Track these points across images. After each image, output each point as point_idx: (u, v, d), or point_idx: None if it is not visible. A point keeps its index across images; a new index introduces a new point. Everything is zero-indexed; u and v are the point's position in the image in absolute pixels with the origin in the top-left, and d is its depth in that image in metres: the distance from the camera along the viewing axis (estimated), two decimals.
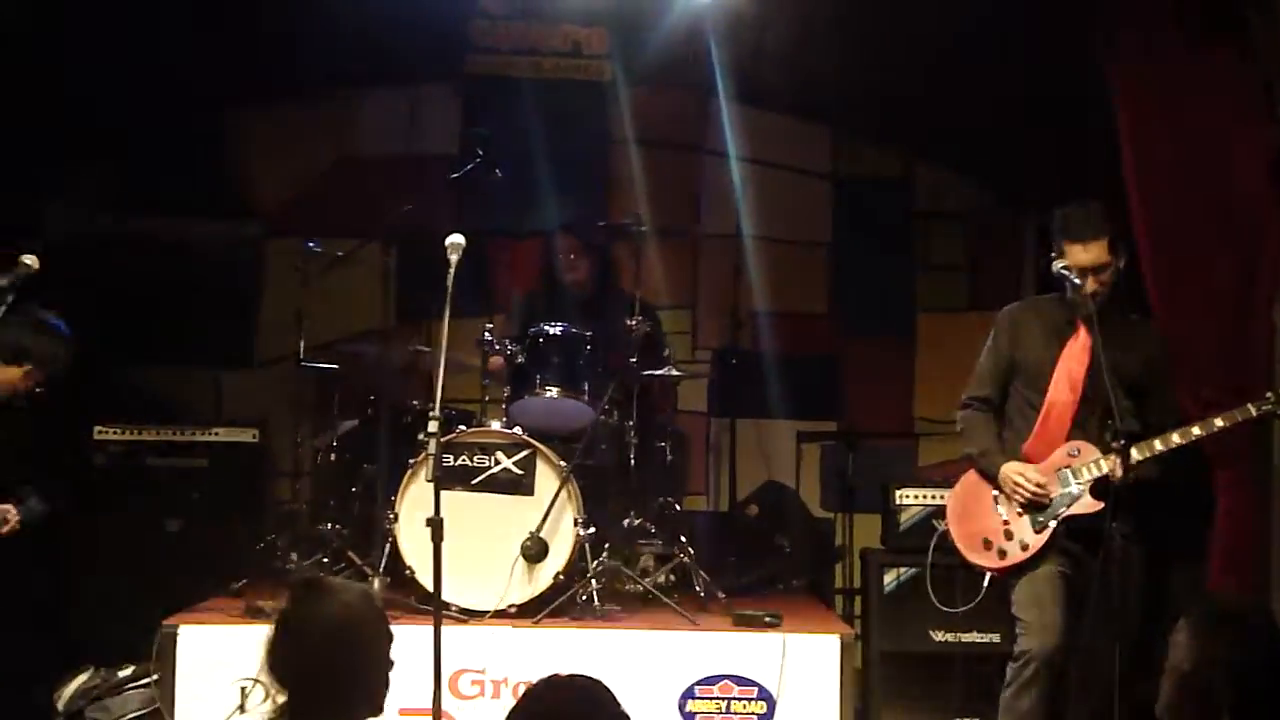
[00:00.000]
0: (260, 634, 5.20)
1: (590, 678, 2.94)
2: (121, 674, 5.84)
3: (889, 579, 6.40)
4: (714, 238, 8.26)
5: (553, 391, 6.29)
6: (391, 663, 3.30)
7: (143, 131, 7.69)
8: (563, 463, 6.01)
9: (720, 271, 8.19)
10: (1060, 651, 5.00)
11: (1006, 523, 5.18)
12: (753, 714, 5.62)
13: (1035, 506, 5.12)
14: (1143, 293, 5.74)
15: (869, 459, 7.62)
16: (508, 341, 6.47)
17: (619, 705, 2.88)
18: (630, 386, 6.51)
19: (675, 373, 6.81)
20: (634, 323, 6.47)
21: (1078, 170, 6.81)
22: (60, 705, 5.58)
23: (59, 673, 5.72)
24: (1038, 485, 5.09)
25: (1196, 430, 4.94)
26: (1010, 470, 5.16)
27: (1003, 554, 5.18)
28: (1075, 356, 5.15)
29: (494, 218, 7.39)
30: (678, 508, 6.99)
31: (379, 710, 3.28)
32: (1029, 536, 5.13)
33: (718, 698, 5.63)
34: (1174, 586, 5.52)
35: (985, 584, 5.54)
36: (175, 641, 5.58)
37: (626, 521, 6.45)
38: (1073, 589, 5.07)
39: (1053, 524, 5.09)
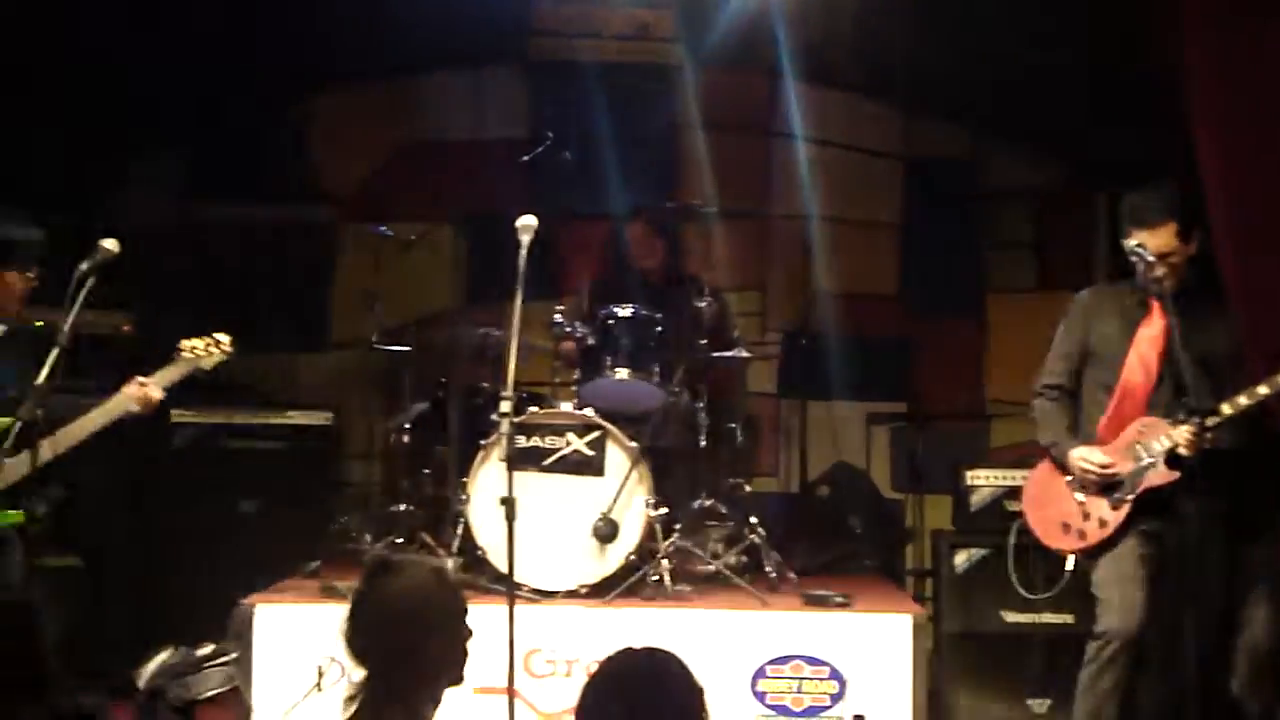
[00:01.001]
0: (336, 613, 5.29)
1: (664, 650, 2.95)
2: (200, 652, 5.89)
3: (960, 560, 6.37)
4: (783, 219, 8.24)
5: (623, 373, 6.31)
6: (470, 631, 3.33)
7: (214, 118, 7.77)
8: (633, 444, 6.03)
9: (789, 253, 8.18)
10: (1140, 631, 4.98)
11: (1083, 504, 5.16)
12: (824, 694, 5.63)
13: (1109, 486, 5.09)
14: (1216, 274, 5.67)
15: (939, 441, 7.59)
16: (578, 324, 6.49)
17: (693, 676, 2.90)
18: (700, 368, 6.53)
19: (745, 354, 6.82)
20: (703, 304, 6.48)
21: (1149, 147, 6.74)
22: (141, 683, 5.65)
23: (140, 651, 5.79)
24: (1104, 466, 5.07)
25: (1263, 389, 4.85)
26: (1077, 455, 5.15)
27: (1082, 535, 5.16)
28: (1149, 339, 5.13)
29: (563, 201, 7.41)
30: (748, 489, 6.98)
31: (460, 679, 3.32)
32: (1107, 514, 5.10)
33: (789, 677, 5.64)
34: (1253, 561, 5.45)
35: (1070, 568, 5.49)
36: (252, 621, 5.68)
37: (697, 502, 6.47)
38: (1153, 568, 5.05)
39: (1130, 499, 5.06)
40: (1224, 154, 5.79)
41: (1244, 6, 5.72)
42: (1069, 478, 5.21)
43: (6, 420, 4.94)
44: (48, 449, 4.95)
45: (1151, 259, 5.01)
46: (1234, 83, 5.83)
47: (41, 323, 5.26)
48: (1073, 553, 5.27)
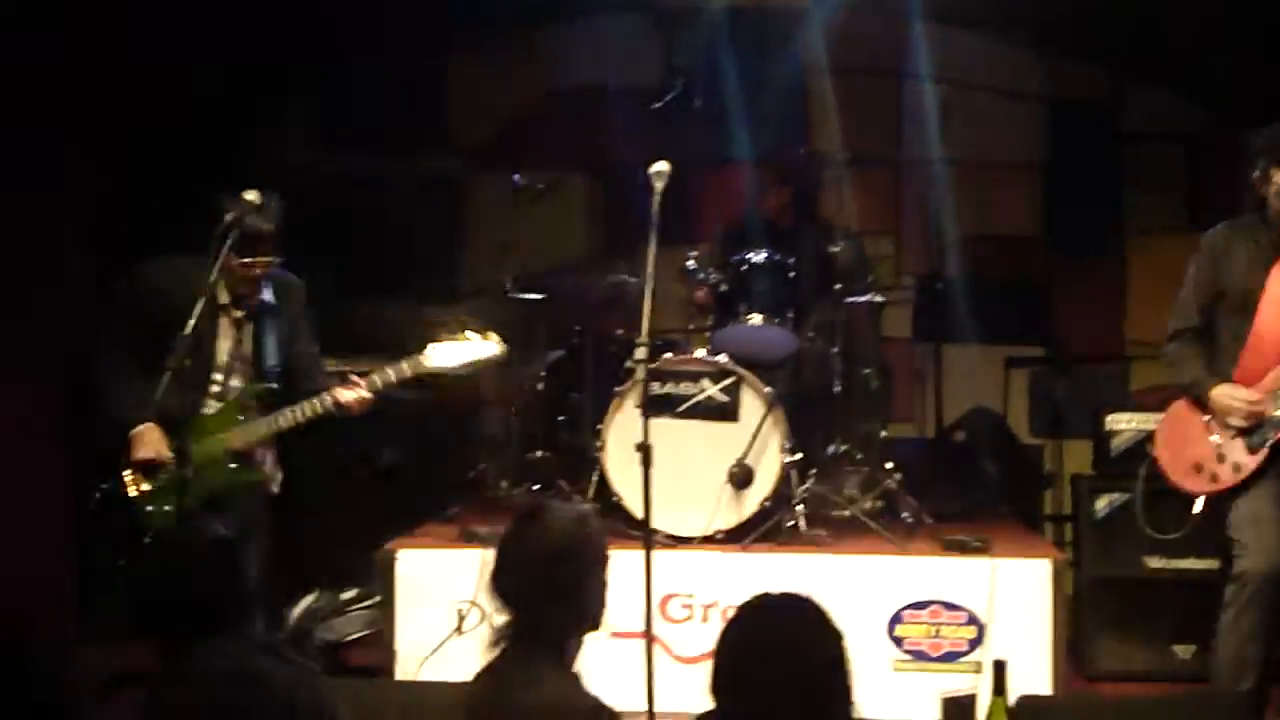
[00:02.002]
0: (474, 558, 5.40)
1: (801, 595, 2.95)
2: (345, 596, 6.04)
3: (1100, 505, 6.28)
4: (918, 163, 8.15)
5: (757, 319, 6.30)
6: (607, 581, 3.37)
7: (345, 71, 7.86)
8: (768, 389, 6.02)
9: (924, 197, 8.09)
10: (1269, 573, 4.89)
11: (1219, 445, 5.06)
12: (963, 638, 5.60)
13: (1248, 431, 4.99)
14: None
15: (1079, 384, 7.50)
16: (711, 270, 6.49)
17: (831, 621, 2.89)
18: (834, 313, 6.49)
19: (879, 299, 6.77)
20: (837, 249, 6.45)
21: None
22: (289, 626, 5.80)
23: (287, 595, 5.94)
24: (1251, 403, 4.96)
25: None
26: (1221, 392, 5.04)
27: (1215, 478, 5.07)
28: None
29: (694, 148, 7.36)
30: (883, 434, 6.95)
31: (598, 626, 3.36)
32: (1242, 457, 5.00)
33: (927, 622, 5.62)
34: None
35: (1197, 510, 5.37)
36: (394, 565, 5.78)
37: (832, 448, 6.46)
38: None
39: (1268, 444, 4.95)
40: None
41: None
42: (1207, 418, 5.10)
43: (261, 388, 5.23)
44: (264, 426, 5.22)
45: None
46: None
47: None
48: (1204, 494, 5.15)
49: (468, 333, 5.38)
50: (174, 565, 3.56)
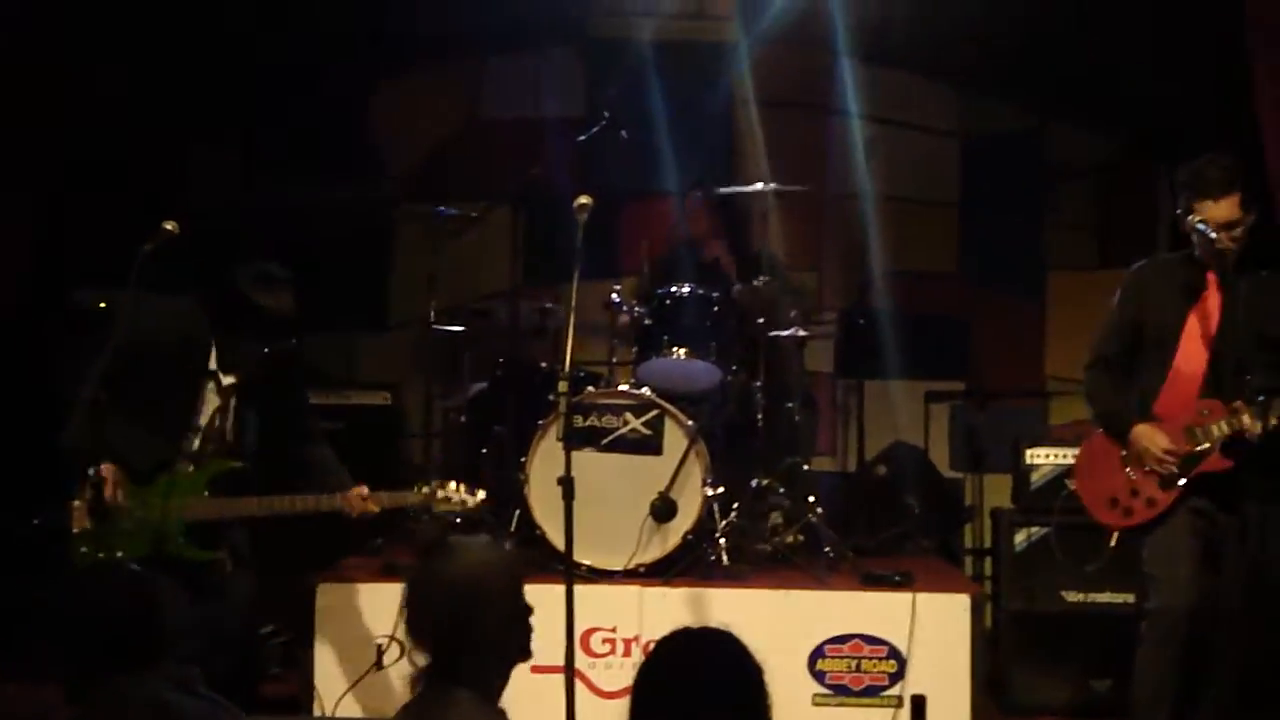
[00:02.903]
0: (395, 592, 5.33)
1: (722, 629, 2.95)
2: (263, 630, 5.98)
3: (1020, 539, 6.32)
4: (840, 198, 8.21)
5: (680, 352, 6.31)
6: (530, 608, 3.35)
7: (275, 100, 7.81)
8: (691, 423, 6.03)
9: (846, 231, 8.15)
10: (1193, 608, 4.90)
11: (1134, 481, 5.10)
12: (883, 673, 5.62)
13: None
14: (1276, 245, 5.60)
15: (999, 418, 7.56)
16: (635, 303, 6.50)
17: (751, 656, 2.89)
18: (758, 347, 6.51)
19: (802, 332, 6.81)
20: (760, 282, 6.47)
21: (1210, 122, 6.67)
22: None
23: None
24: (1167, 453, 4.99)
25: None
26: (1141, 434, 5.06)
27: (1129, 512, 5.10)
28: (1207, 314, 5.03)
29: (620, 180, 7.40)
30: (806, 468, 6.97)
31: (528, 654, 3.34)
32: (1156, 493, 5.04)
33: (848, 656, 5.64)
34: None
35: (1112, 543, 5.41)
36: (314, 599, 5.72)
37: (754, 481, 6.45)
38: (1208, 547, 4.98)
39: (1181, 481, 4.99)
40: None
41: None
42: (1123, 452, 5.13)
43: (232, 465, 5.10)
44: (251, 505, 5.10)
45: (1214, 234, 4.90)
46: None
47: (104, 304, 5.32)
48: (1118, 529, 5.18)
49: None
50: (89, 600, 3.50)
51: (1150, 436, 5.04)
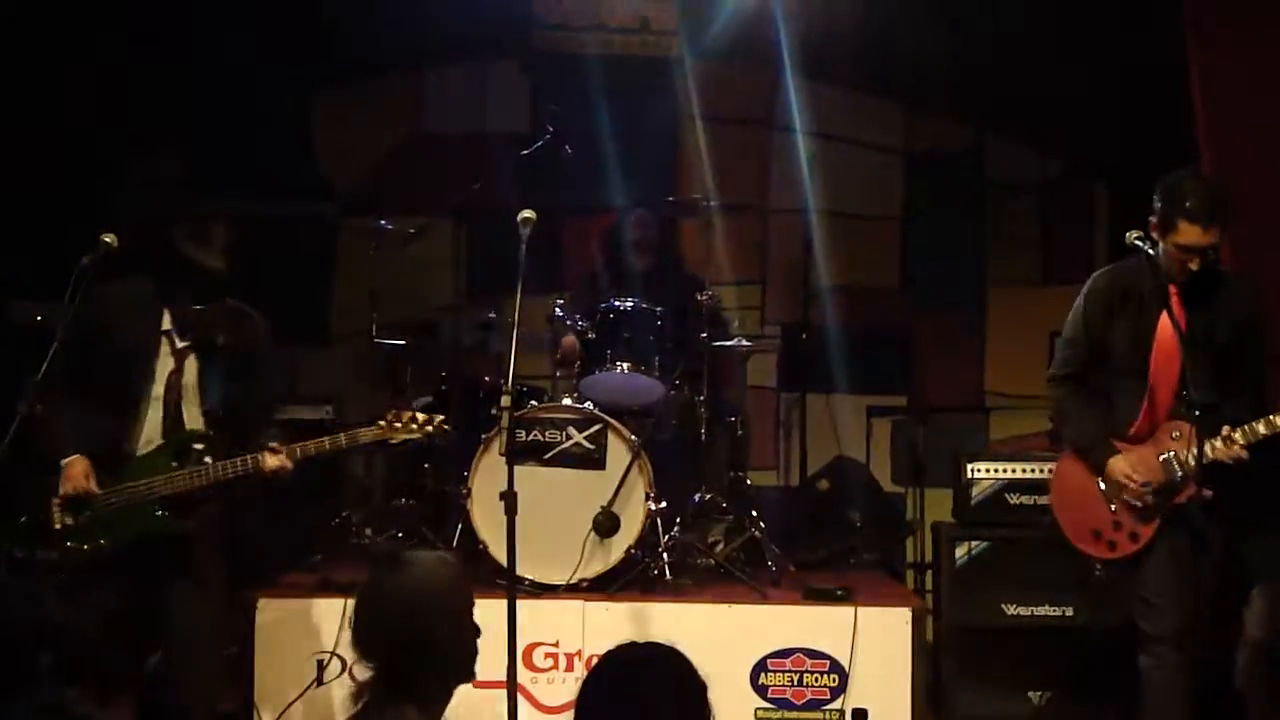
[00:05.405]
0: (336, 607, 5.31)
1: (664, 644, 2.95)
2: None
3: (960, 553, 6.35)
4: (783, 213, 8.24)
5: (623, 366, 6.31)
6: (477, 629, 3.33)
7: (214, 113, 7.76)
8: (634, 437, 6.03)
9: (789, 246, 8.18)
10: (1187, 630, 4.87)
11: (1115, 513, 5.05)
12: (825, 687, 5.64)
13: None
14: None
15: (940, 433, 7.60)
16: (578, 317, 6.49)
17: (694, 670, 2.89)
18: (700, 361, 6.53)
19: (745, 344, 6.83)
20: (703, 296, 6.49)
21: (1150, 138, 6.75)
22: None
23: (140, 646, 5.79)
24: (1143, 488, 4.95)
25: None
26: (1117, 469, 5.00)
27: (1114, 545, 5.06)
28: (1172, 327, 4.88)
29: (564, 194, 7.39)
30: (748, 482, 7.00)
31: (471, 676, 3.32)
32: (1138, 526, 5.01)
33: (790, 670, 5.65)
34: (1250, 558, 5.42)
35: (1098, 570, 5.30)
36: (254, 614, 5.67)
37: (697, 496, 6.47)
38: (1195, 568, 4.93)
39: (1160, 517, 4.96)
40: (1227, 149, 5.80)
41: (1249, 4, 5.73)
42: (1102, 485, 5.08)
43: (192, 432, 4.98)
44: (213, 472, 4.97)
45: (1185, 256, 4.82)
46: (1239, 79, 5.84)
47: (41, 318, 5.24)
48: (1104, 561, 5.14)
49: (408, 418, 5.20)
50: None
51: (1127, 473, 4.99)
